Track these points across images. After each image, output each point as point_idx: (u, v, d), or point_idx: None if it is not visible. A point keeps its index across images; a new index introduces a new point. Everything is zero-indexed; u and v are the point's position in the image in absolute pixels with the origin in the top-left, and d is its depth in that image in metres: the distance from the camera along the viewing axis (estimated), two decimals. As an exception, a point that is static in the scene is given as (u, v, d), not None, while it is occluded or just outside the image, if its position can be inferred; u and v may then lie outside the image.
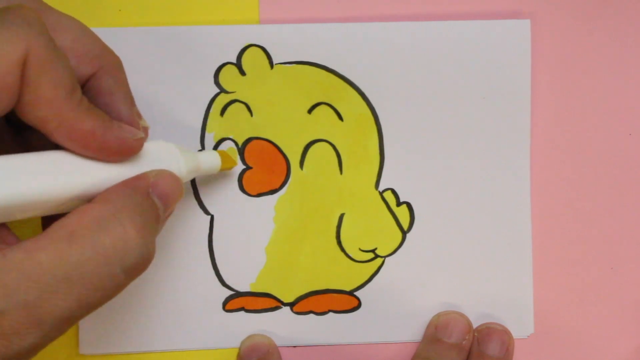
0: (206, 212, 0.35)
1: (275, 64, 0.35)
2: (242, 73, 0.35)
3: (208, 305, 0.35)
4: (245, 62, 0.34)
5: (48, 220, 0.27)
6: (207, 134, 0.35)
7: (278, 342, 0.35)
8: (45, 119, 0.23)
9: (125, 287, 0.24)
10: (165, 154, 0.28)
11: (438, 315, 0.35)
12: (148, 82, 0.34)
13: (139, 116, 0.27)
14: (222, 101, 0.35)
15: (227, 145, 0.35)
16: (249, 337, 0.35)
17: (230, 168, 0.34)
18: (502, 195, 0.35)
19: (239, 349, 0.35)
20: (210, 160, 0.32)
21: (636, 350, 0.36)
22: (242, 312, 0.35)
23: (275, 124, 0.35)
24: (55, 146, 0.26)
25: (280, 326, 0.35)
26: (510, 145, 0.35)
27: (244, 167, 0.35)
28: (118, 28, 0.34)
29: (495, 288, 0.35)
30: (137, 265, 0.24)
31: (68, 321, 0.23)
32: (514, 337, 0.35)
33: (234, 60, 0.34)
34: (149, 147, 0.27)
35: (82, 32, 0.27)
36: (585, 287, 0.36)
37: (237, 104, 0.35)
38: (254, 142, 0.35)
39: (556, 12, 0.36)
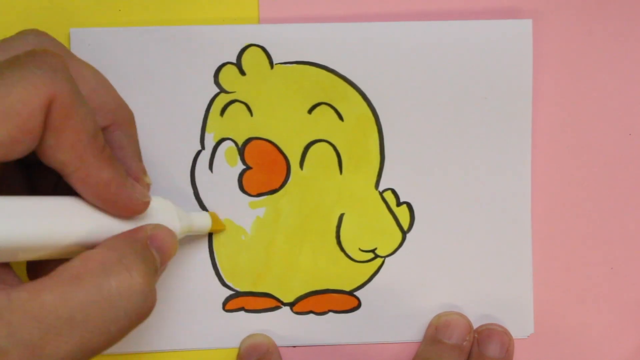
0: (206, 212, 0.35)
1: (275, 64, 0.34)
2: (242, 73, 0.34)
3: (208, 305, 0.35)
4: (245, 62, 0.34)
5: (33, 266, 0.27)
6: (207, 134, 0.35)
7: (278, 342, 0.35)
8: (66, 163, 0.24)
9: (127, 333, 0.24)
10: (163, 211, 0.29)
11: (438, 316, 0.35)
12: (148, 82, 0.34)
13: (144, 172, 0.28)
14: (222, 101, 0.35)
15: (227, 145, 0.35)
16: (249, 336, 0.35)
17: (219, 231, 0.35)
18: (503, 195, 0.35)
19: (239, 348, 0.35)
20: (202, 221, 0.33)
21: (636, 350, 0.36)
22: (242, 312, 0.35)
23: (275, 124, 0.35)
24: (62, 192, 0.26)
25: (280, 326, 0.35)
26: (511, 146, 0.35)
27: (243, 167, 0.35)
28: (118, 28, 0.34)
29: (495, 288, 0.35)
30: (141, 311, 0.24)
31: None
32: (514, 337, 0.35)
33: (234, 60, 0.34)
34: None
35: (101, 83, 0.27)
36: (585, 287, 0.36)
37: (237, 104, 0.35)
38: (254, 142, 0.35)
39: (558, 12, 0.36)
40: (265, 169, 0.35)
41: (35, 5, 0.34)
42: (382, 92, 0.35)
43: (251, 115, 0.35)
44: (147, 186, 0.28)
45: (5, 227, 0.22)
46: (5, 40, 0.26)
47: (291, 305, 0.35)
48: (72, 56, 0.27)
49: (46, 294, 0.22)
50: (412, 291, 0.35)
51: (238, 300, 0.35)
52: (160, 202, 0.29)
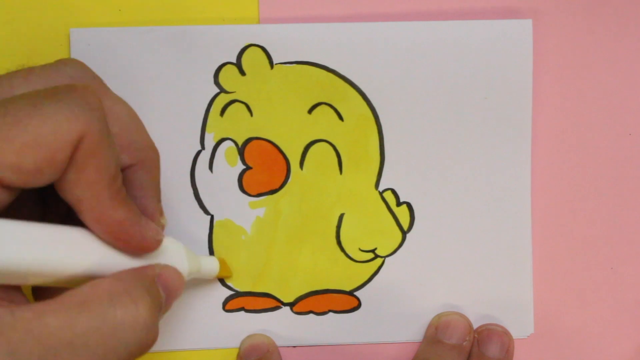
0: (206, 212, 0.35)
1: (275, 64, 0.34)
2: (242, 73, 0.34)
3: (208, 305, 0.35)
4: (245, 62, 0.34)
5: (40, 288, 0.27)
6: (207, 134, 0.35)
7: (278, 342, 0.35)
8: (82, 199, 0.24)
9: None
10: (173, 251, 0.29)
11: (438, 316, 0.35)
12: (148, 82, 0.34)
13: (161, 213, 0.28)
14: (222, 101, 0.34)
15: (226, 145, 0.35)
16: (249, 336, 0.35)
17: (227, 277, 0.35)
18: (503, 195, 0.35)
19: (239, 348, 0.35)
20: (210, 266, 0.33)
21: (636, 350, 0.36)
22: (242, 312, 0.35)
23: (275, 124, 0.35)
24: (73, 220, 0.26)
25: (280, 326, 0.35)
26: (510, 146, 0.35)
27: (243, 167, 0.35)
28: (118, 28, 0.34)
29: (495, 288, 0.35)
30: (142, 344, 0.24)
31: None
32: (514, 337, 0.35)
33: (234, 60, 0.34)
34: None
35: (132, 121, 0.27)
36: (585, 287, 0.36)
37: (237, 104, 0.35)
38: (254, 142, 0.35)
39: (558, 12, 0.36)
40: (265, 169, 0.35)
41: (36, 5, 0.34)
42: (382, 92, 0.35)
43: (251, 115, 0.35)
44: (162, 227, 0.28)
45: (16, 252, 0.22)
46: (44, 68, 0.26)
47: (291, 305, 0.35)
48: (108, 91, 0.27)
49: (50, 317, 0.22)
50: (412, 291, 0.35)
51: (238, 300, 0.35)
52: (171, 243, 0.29)
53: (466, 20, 0.35)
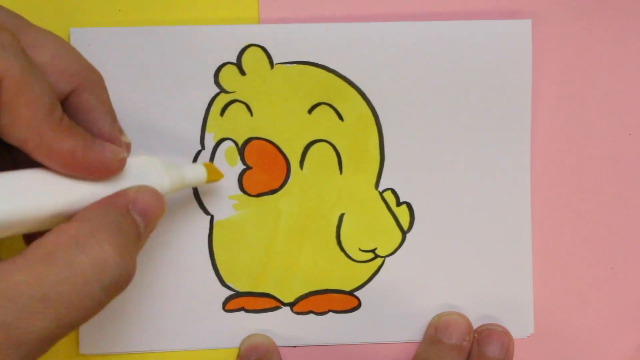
0: (206, 212, 0.35)
1: (276, 64, 0.34)
2: (242, 73, 0.34)
3: (208, 305, 0.35)
4: (245, 62, 0.34)
5: (30, 237, 0.27)
6: (207, 134, 0.35)
7: (278, 342, 0.35)
8: (24, 139, 0.23)
9: (105, 305, 0.24)
10: (148, 169, 0.28)
11: (438, 316, 0.35)
12: (148, 82, 0.34)
13: (121, 132, 0.27)
14: (222, 101, 0.35)
15: (226, 145, 0.35)
16: (249, 336, 0.35)
17: (217, 180, 0.33)
18: (502, 195, 0.35)
19: (239, 348, 0.35)
20: (195, 173, 0.31)
21: (636, 350, 0.36)
22: (242, 312, 0.35)
23: (275, 124, 0.35)
24: (23, 165, 0.25)
25: (280, 326, 0.35)
26: (510, 146, 0.35)
27: (244, 167, 0.35)
28: (118, 28, 0.34)
29: (495, 288, 0.35)
30: (117, 284, 0.24)
31: (47, 341, 0.23)
32: (514, 337, 0.35)
33: (234, 60, 0.34)
34: (131, 162, 0.27)
35: (61, 48, 0.26)
36: (585, 287, 0.36)
37: (237, 104, 0.35)
38: (254, 142, 0.35)
39: (557, 12, 0.36)
40: (265, 169, 0.35)
41: (35, 5, 0.34)
42: (382, 92, 0.35)
43: (251, 115, 0.35)
44: (127, 145, 0.27)
45: None
46: None
47: (291, 305, 0.35)
48: (30, 26, 0.26)
49: (18, 274, 0.22)
50: (412, 291, 0.35)
51: (238, 301, 0.35)
52: (144, 160, 0.28)
53: (466, 21, 0.35)
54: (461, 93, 0.35)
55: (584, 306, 0.36)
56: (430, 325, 0.35)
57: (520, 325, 0.36)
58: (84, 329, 0.34)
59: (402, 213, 0.35)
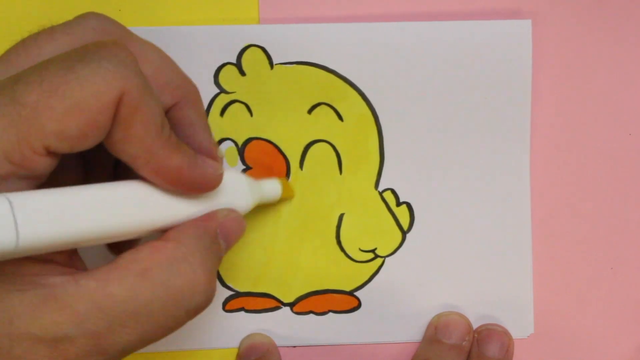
0: (206, 212, 0.35)
1: (275, 64, 0.34)
2: (242, 73, 0.34)
3: (208, 305, 0.35)
4: (245, 62, 0.34)
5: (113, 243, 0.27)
6: (207, 134, 0.35)
7: (278, 342, 0.35)
8: (135, 156, 0.24)
9: (183, 325, 0.25)
10: (236, 187, 0.29)
11: (438, 316, 0.35)
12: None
13: (216, 146, 0.28)
14: (222, 101, 0.35)
15: (226, 146, 0.35)
16: (249, 336, 0.35)
17: (289, 198, 0.34)
18: (502, 195, 0.35)
19: (239, 348, 0.35)
20: (273, 190, 0.32)
21: (636, 350, 0.36)
22: (242, 312, 0.35)
23: (275, 124, 0.35)
24: (115, 168, 0.26)
25: (280, 326, 0.35)
26: (510, 146, 0.35)
27: (244, 167, 0.35)
28: (118, 28, 0.34)
29: (495, 288, 0.35)
30: (200, 307, 0.25)
31: (127, 353, 0.23)
32: (514, 337, 0.35)
33: (234, 60, 0.34)
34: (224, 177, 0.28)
35: (164, 61, 0.27)
36: (585, 287, 0.36)
37: (237, 104, 0.35)
38: (254, 142, 0.35)
39: (557, 12, 0.36)
40: (265, 169, 0.35)
41: (36, 5, 0.34)
42: (381, 92, 0.35)
43: (251, 115, 0.35)
44: (221, 160, 0.27)
45: (69, 220, 0.22)
46: (66, 24, 0.25)
47: (291, 305, 0.35)
48: (133, 36, 0.26)
49: (114, 286, 0.22)
50: (412, 291, 0.35)
51: (238, 301, 0.35)
52: (232, 176, 0.29)
53: (466, 21, 0.35)
54: (461, 93, 0.35)
55: (584, 306, 0.36)
56: (430, 325, 0.35)
57: (520, 325, 0.36)
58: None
59: (402, 213, 0.35)
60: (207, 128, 0.27)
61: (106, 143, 0.23)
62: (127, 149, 0.23)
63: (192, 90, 0.27)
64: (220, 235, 0.26)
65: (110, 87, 0.22)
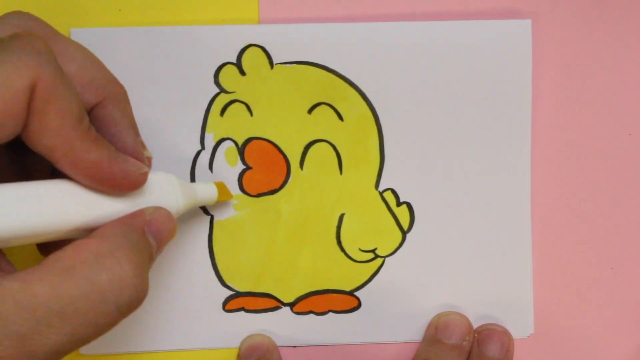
0: (206, 212, 0.35)
1: (275, 64, 0.34)
2: (242, 73, 0.34)
3: (208, 305, 0.35)
4: (245, 62, 0.34)
5: (44, 245, 0.27)
6: (207, 134, 0.35)
7: (278, 342, 0.35)
8: (52, 147, 0.23)
9: (117, 323, 0.24)
10: (166, 188, 0.28)
11: (438, 316, 0.35)
12: (148, 82, 0.34)
13: (143, 146, 0.27)
14: (222, 101, 0.35)
15: (227, 145, 0.35)
16: (249, 336, 0.35)
17: (227, 200, 0.34)
18: (503, 195, 0.35)
19: (239, 348, 0.35)
20: (207, 192, 0.32)
21: (636, 350, 0.36)
22: (242, 312, 0.35)
23: (275, 124, 0.35)
24: (52, 174, 0.26)
25: (280, 326, 0.35)
26: (510, 146, 0.35)
27: (244, 167, 0.35)
28: (118, 28, 0.34)
29: (495, 288, 0.35)
30: (132, 303, 0.24)
31: (58, 354, 0.23)
32: (514, 337, 0.35)
33: (234, 60, 0.34)
34: (151, 178, 0.27)
35: (88, 60, 0.27)
36: (585, 287, 0.36)
37: (237, 104, 0.35)
38: (254, 142, 0.35)
39: (557, 12, 0.36)
40: (265, 169, 0.35)
41: (36, 5, 0.34)
42: (382, 92, 0.35)
43: (251, 115, 0.35)
44: (148, 160, 0.27)
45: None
46: None
47: (291, 305, 0.35)
48: (58, 35, 0.26)
49: (38, 285, 0.22)
50: (412, 291, 0.35)
51: (238, 301, 0.35)
52: (161, 177, 0.28)
53: (466, 21, 0.35)
54: (461, 93, 0.35)
55: (584, 306, 0.36)
56: (430, 325, 0.35)
57: (520, 325, 0.36)
58: (84, 329, 0.34)
59: (402, 213, 0.35)
60: (133, 128, 0.27)
61: (24, 137, 0.23)
62: (44, 140, 0.23)
63: (117, 90, 0.27)
64: (150, 233, 0.26)
65: (21, 75, 0.22)
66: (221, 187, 0.33)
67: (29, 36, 0.23)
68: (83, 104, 0.24)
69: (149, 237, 0.26)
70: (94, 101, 0.26)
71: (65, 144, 0.23)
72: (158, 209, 0.27)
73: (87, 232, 0.25)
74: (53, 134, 0.23)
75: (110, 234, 0.24)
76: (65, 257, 0.23)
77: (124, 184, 0.25)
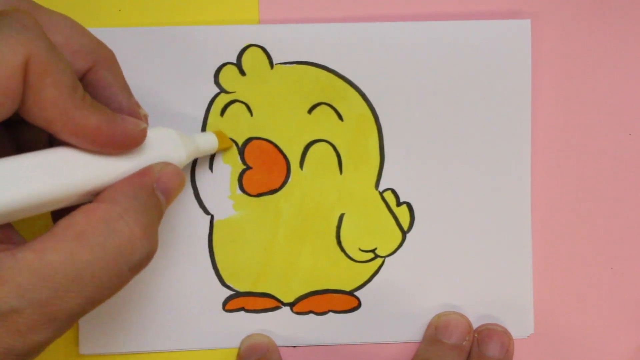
0: (206, 212, 0.35)
1: (275, 64, 0.35)
2: (242, 73, 0.34)
3: (208, 305, 0.35)
4: (245, 62, 0.34)
5: (56, 212, 0.27)
6: (207, 134, 0.35)
7: (278, 342, 0.35)
8: (51, 120, 0.24)
9: (129, 282, 0.25)
10: (166, 141, 0.29)
11: (438, 316, 0.35)
12: (148, 82, 0.34)
13: (138, 105, 0.28)
14: (222, 101, 0.35)
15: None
16: (249, 336, 0.35)
17: (227, 148, 0.34)
18: (503, 195, 0.35)
19: (239, 348, 0.35)
20: (207, 142, 0.32)
21: (636, 350, 0.36)
22: (242, 312, 0.35)
23: (275, 124, 0.35)
24: (50, 143, 0.26)
25: (280, 326, 0.35)
26: (510, 146, 0.35)
27: (244, 167, 0.35)
28: (118, 28, 0.34)
29: (495, 288, 0.35)
30: (142, 262, 0.25)
31: (78, 316, 0.24)
32: (514, 337, 0.35)
33: (234, 60, 0.34)
34: (150, 134, 0.28)
35: (75, 28, 0.27)
36: (585, 287, 0.36)
37: (237, 104, 0.35)
38: (254, 142, 0.35)
39: (557, 12, 0.36)
40: (265, 169, 0.35)
41: (36, 6, 0.34)
42: (381, 92, 0.35)
43: (251, 115, 0.35)
44: (145, 117, 0.28)
45: (7, 189, 0.22)
46: None
47: (291, 305, 0.35)
48: (41, 7, 0.27)
49: (52, 254, 0.23)
50: (412, 291, 0.35)
51: (238, 301, 0.35)
52: (162, 132, 0.29)
53: (465, 21, 0.35)
54: (461, 93, 0.35)
55: (584, 306, 0.36)
56: (430, 325, 0.35)
57: (520, 325, 0.36)
58: (84, 329, 0.34)
59: (402, 213, 0.35)
60: (126, 88, 0.28)
61: (21, 112, 0.24)
62: (42, 114, 0.24)
63: (106, 54, 0.28)
64: (159, 189, 0.27)
65: (15, 52, 0.22)
66: (220, 135, 0.33)
67: (16, 13, 0.23)
68: (75, 73, 0.25)
69: (158, 194, 0.27)
70: (85, 67, 0.27)
71: (63, 114, 0.24)
72: (166, 164, 0.28)
73: (94, 195, 0.25)
74: (51, 107, 0.23)
75: (119, 197, 0.25)
76: (75, 223, 0.24)
77: (125, 143, 0.26)
